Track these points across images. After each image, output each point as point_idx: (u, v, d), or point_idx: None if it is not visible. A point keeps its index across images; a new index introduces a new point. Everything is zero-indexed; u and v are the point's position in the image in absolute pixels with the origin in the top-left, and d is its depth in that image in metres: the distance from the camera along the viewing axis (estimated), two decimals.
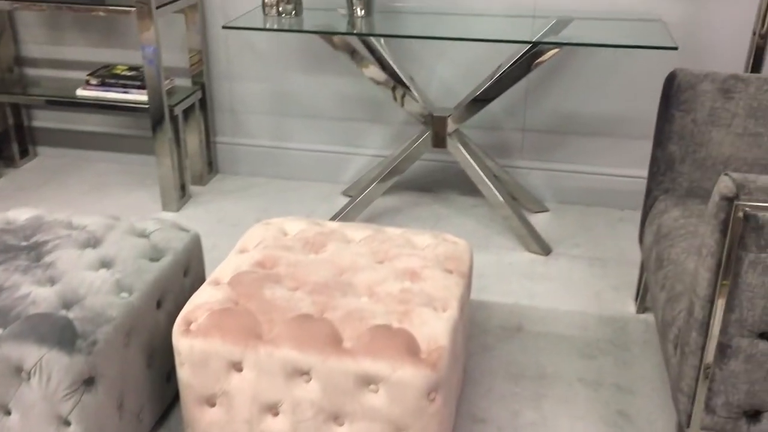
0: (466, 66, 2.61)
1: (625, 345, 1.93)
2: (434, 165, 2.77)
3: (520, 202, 2.62)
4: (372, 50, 2.44)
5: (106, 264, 1.55)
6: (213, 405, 1.44)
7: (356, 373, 1.34)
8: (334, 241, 1.68)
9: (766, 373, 1.24)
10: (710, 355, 1.26)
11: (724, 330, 1.24)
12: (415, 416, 1.35)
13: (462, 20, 2.44)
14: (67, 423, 1.37)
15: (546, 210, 2.66)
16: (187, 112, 2.77)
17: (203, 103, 2.83)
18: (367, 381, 1.34)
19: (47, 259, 1.54)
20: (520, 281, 2.22)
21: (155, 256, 1.61)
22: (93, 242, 1.62)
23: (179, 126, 2.69)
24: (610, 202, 2.68)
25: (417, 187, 2.80)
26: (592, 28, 2.27)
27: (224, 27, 2.26)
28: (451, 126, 2.39)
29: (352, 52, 2.32)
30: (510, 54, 2.44)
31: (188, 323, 1.42)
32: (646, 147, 2.59)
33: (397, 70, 2.41)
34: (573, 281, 2.22)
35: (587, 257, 2.35)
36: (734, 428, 1.31)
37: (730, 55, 2.40)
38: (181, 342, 1.40)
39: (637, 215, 2.63)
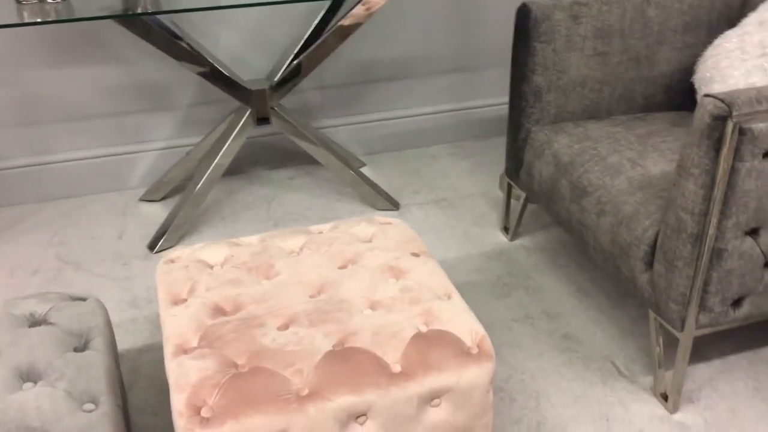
0: (253, 31, 2.37)
1: (523, 274, 2.01)
2: None
3: None
4: (164, 28, 2.08)
5: (28, 377, 1.13)
6: None
7: (419, 395, 1.19)
8: (276, 258, 1.44)
9: (754, 264, 1.39)
10: (706, 262, 1.37)
11: (720, 236, 1.35)
12: (479, 414, 1.26)
13: None
14: None
15: (363, 164, 2.60)
16: None
17: None
18: (430, 398, 1.21)
19: None
20: None
21: (79, 344, 1.22)
22: None
23: None
24: (416, 142, 2.72)
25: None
26: None
27: None
28: (273, 99, 2.17)
29: (154, 36, 1.96)
30: (308, 12, 2.27)
31: (197, 410, 1.12)
32: (440, 82, 2.65)
33: (194, 47, 2.10)
34: (438, 228, 2.23)
35: (432, 201, 2.38)
36: (724, 319, 1.46)
37: None
38: None
39: (445, 149, 2.72)
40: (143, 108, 2.38)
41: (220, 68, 2.09)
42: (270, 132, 2.54)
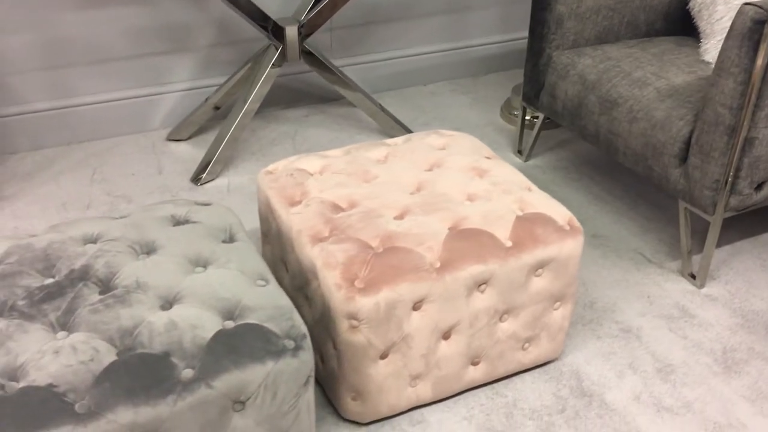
0: None
1: (544, 188, 2.23)
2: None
3: None
4: None
5: (197, 262, 1.26)
6: (386, 357, 1.34)
7: (530, 266, 1.39)
8: (368, 165, 1.60)
9: None
10: (739, 151, 1.62)
11: (753, 127, 1.60)
12: (570, 283, 1.47)
13: None
14: None
15: None
16: None
17: None
18: (536, 268, 1.41)
19: (118, 282, 1.19)
20: None
21: (226, 237, 1.35)
22: (141, 248, 1.28)
23: None
24: (414, 80, 2.89)
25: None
26: None
27: None
28: (303, 36, 2.29)
29: None
30: None
31: (351, 282, 1.28)
32: (436, 22, 2.82)
33: None
34: None
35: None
36: (748, 201, 1.72)
37: None
38: (360, 303, 1.26)
39: (443, 86, 2.90)
40: (164, 49, 2.45)
41: (254, 2, 2.19)
42: (283, 73, 2.65)
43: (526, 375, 1.56)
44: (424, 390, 1.43)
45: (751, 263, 1.91)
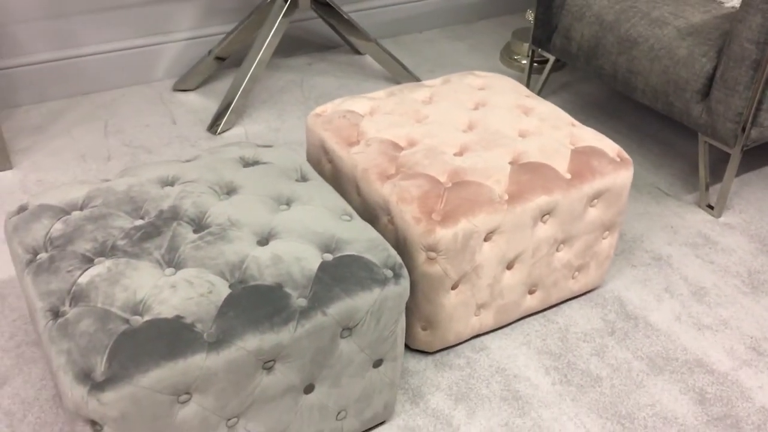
0: None
1: None
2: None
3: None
4: None
5: (279, 201, 1.28)
6: (456, 287, 1.40)
7: (588, 196, 1.46)
8: (417, 106, 1.63)
9: None
10: (763, 84, 1.71)
11: None
12: (621, 212, 1.55)
13: None
14: (379, 363, 1.21)
15: (360, 53, 2.76)
16: None
17: None
18: (592, 198, 1.47)
19: (210, 221, 1.21)
20: None
21: (299, 177, 1.37)
22: (220, 189, 1.30)
23: None
24: (409, 28, 2.90)
25: (239, 63, 2.59)
26: None
27: None
28: None
29: None
30: None
31: (429, 215, 1.32)
32: None
33: None
34: None
35: None
36: (767, 134, 1.82)
37: None
38: (439, 234, 1.30)
39: (438, 33, 2.92)
40: None
41: None
42: None
43: (573, 302, 1.64)
44: (486, 318, 1.49)
45: (759, 193, 2.03)
